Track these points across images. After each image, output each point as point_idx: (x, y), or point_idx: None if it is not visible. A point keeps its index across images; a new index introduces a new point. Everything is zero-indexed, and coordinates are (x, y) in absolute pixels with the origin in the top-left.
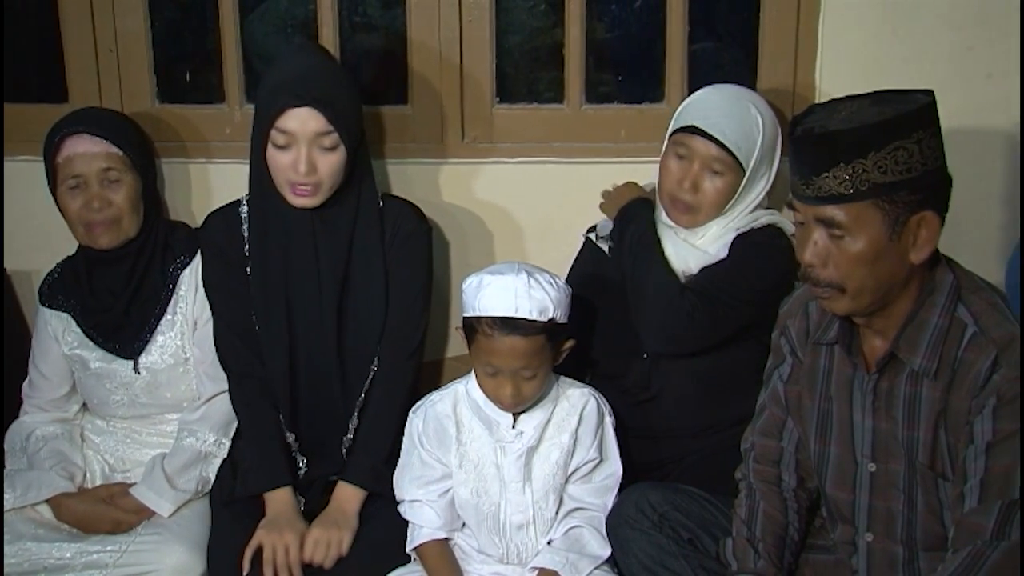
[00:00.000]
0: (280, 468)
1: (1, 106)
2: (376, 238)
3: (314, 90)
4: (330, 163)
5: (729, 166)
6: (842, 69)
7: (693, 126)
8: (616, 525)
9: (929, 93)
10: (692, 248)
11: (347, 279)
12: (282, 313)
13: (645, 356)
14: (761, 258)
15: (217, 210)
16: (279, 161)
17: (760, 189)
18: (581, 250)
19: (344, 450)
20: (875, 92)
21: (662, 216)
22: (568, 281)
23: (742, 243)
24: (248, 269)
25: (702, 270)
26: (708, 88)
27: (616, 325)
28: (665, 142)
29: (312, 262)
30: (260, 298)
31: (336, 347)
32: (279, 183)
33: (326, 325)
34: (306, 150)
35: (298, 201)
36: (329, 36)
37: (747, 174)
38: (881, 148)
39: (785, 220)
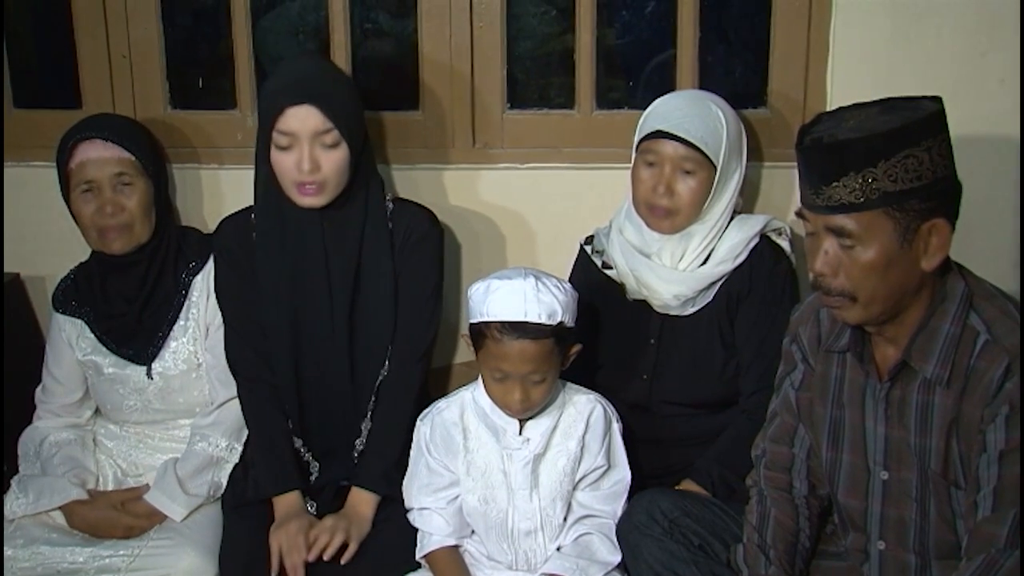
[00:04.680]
0: (288, 472)
1: (1, 110)
2: (385, 240)
3: (311, 88)
4: (333, 161)
5: (699, 164)
6: (853, 75)
7: (658, 131)
8: (627, 531)
9: (937, 100)
10: (677, 272)
11: (357, 282)
12: (291, 318)
13: (645, 377)
14: (784, 309)
15: (229, 216)
16: (283, 163)
17: (733, 187)
18: (576, 261)
19: (356, 453)
20: (883, 100)
21: (633, 236)
22: None
23: (761, 300)
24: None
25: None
26: (666, 95)
27: (612, 343)
28: (633, 155)
29: (322, 266)
30: (269, 303)
31: (347, 351)
32: (285, 185)
33: (337, 329)
34: (308, 148)
35: (305, 201)
36: (340, 42)
37: (719, 169)
38: (891, 156)
39: (757, 218)
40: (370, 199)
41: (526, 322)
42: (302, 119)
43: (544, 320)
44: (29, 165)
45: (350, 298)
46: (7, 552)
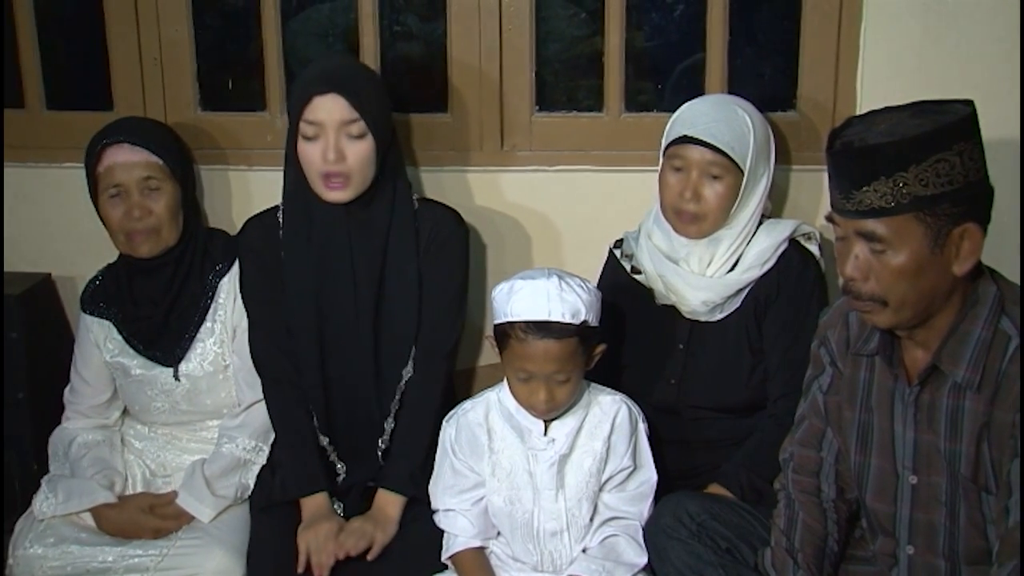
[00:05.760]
0: (315, 473)
1: (1, 111)
2: (411, 240)
3: (338, 78)
4: (359, 152)
5: (727, 168)
6: (884, 78)
7: (685, 136)
8: (654, 534)
9: (969, 103)
10: (706, 279)
11: (382, 282)
12: (316, 316)
13: (673, 382)
14: (812, 314)
15: (255, 216)
16: (309, 153)
17: (761, 192)
18: (605, 264)
19: (380, 453)
20: (914, 103)
21: (661, 241)
22: None
23: (788, 308)
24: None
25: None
26: (693, 100)
27: (640, 347)
28: (660, 160)
29: (347, 264)
30: (294, 300)
31: (372, 350)
32: (311, 178)
33: (362, 328)
34: (334, 138)
35: (331, 195)
36: (370, 45)
37: (746, 174)
38: (922, 161)
39: (786, 223)
40: (397, 198)
41: (550, 321)
42: (328, 108)
43: (568, 319)
44: (61, 166)
45: (375, 297)
46: (37, 551)
